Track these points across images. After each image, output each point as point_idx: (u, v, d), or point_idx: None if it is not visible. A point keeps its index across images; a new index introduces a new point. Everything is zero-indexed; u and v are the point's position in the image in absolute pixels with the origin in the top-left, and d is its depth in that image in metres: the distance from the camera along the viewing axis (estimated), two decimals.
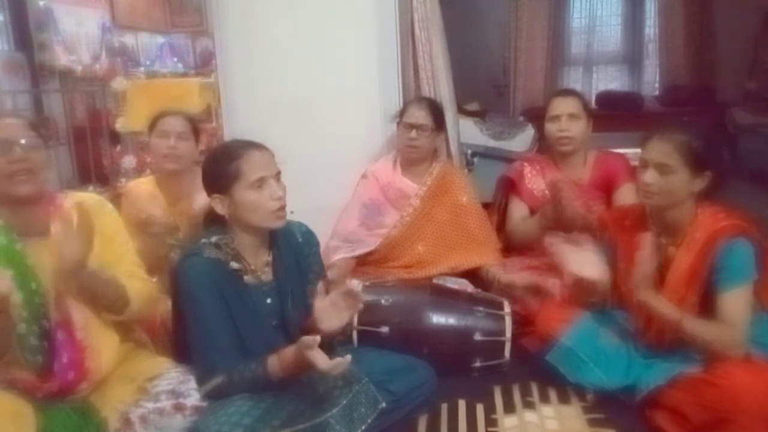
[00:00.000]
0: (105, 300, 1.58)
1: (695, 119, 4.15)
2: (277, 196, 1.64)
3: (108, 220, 1.69)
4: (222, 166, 1.64)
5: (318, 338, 1.48)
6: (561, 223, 2.35)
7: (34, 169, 1.53)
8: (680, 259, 1.78)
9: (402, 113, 2.65)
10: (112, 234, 1.68)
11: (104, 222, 1.66)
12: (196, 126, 2.34)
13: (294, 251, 1.77)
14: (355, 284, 2.23)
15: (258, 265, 1.71)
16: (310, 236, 1.83)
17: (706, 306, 1.75)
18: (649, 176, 1.75)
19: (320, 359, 1.46)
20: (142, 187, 2.36)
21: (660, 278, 1.82)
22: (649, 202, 1.81)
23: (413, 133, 2.58)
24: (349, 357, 1.49)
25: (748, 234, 1.72)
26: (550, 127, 2.50)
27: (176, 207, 2.29)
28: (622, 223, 1.97)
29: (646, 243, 1.73)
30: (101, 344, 1.60)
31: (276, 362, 1.57)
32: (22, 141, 1.52)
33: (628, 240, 1.90)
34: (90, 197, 1.75)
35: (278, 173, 1.67)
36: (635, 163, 1.94)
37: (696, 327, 1.70)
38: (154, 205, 2.27)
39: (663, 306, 1.73)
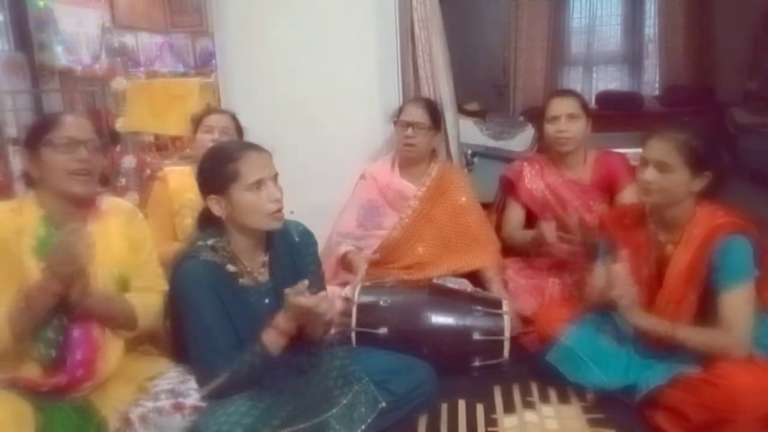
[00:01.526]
0: (114, 321, 1.61)
1: (695, 119, 4.15)
2: (275, 197, 1.63)
3: (138, 228, 1.74)
4: (219, 166, 1.64)
5: (306, 282, 1.55)
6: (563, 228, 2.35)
7: (93, 171, 1.58)
8: (679, 257, 1.79)
9: (399, 112, 2.65)
10: (139, 242, 1.72)
11: (134, 229, 1.71)
12: (239, 125, 2.40)
13: (290, 251, 1.77)
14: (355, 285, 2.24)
15: (254, 266, 1.71)
16: (307, 236, 1.83)
17: (706, 305, 1.75)
18: (649, 174, 1.76)
19: (305, 299, 1.53)
20: (178, 177, 2.37)
21: (658, 276, 1.83)
22: (648, 199, 1.82)
23: (410, 131, 2.57)
24: (325, 293, 1.60)
25: (746, 231, 1.72)
26: (549, 128, 2.49)
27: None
28: (621, 222, 1.97)
29: (618, 273, 1.75)
30: (112, 346, 1.61)
31: (271, 332, 1.60)
32: (89, 142, 1.57)
33: (628, 239, 1.90)
34: (123, 203, 1.80)
35: (276, 175, 1.67)
36: (635, 163, 1.94)
37: (692, 336, 1.71)
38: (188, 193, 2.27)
39: (653, 324, 1.75)
